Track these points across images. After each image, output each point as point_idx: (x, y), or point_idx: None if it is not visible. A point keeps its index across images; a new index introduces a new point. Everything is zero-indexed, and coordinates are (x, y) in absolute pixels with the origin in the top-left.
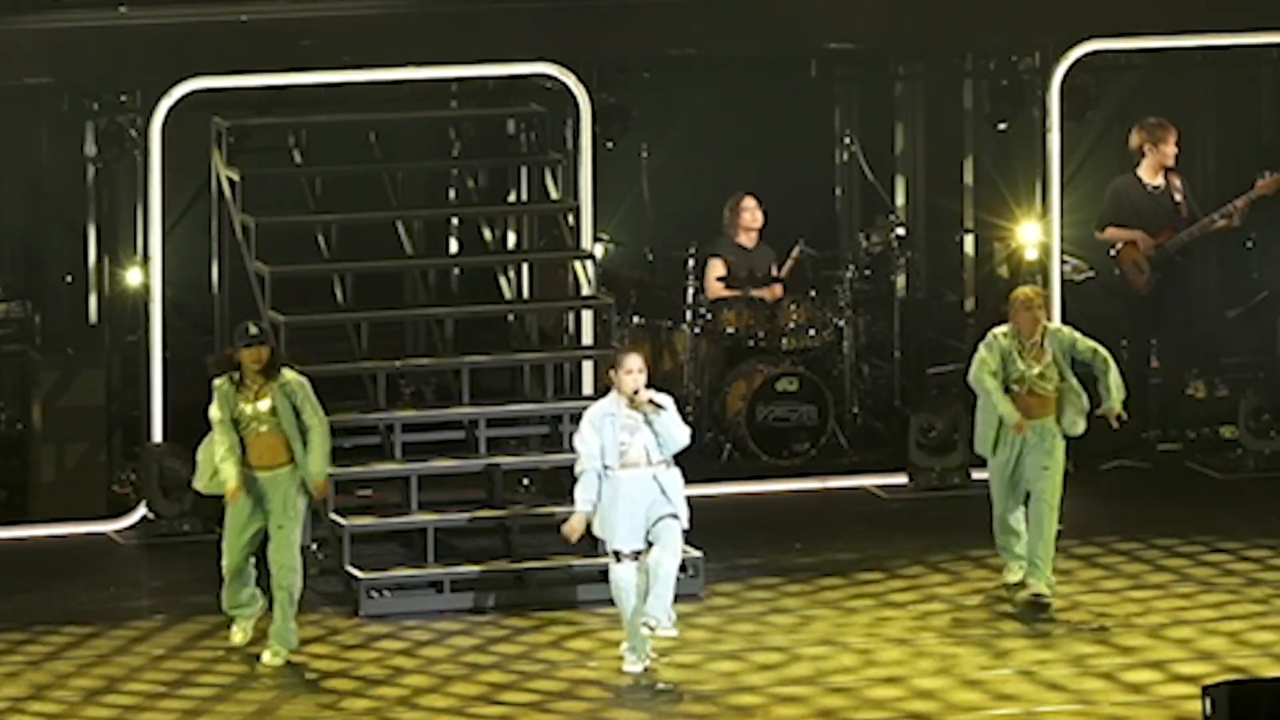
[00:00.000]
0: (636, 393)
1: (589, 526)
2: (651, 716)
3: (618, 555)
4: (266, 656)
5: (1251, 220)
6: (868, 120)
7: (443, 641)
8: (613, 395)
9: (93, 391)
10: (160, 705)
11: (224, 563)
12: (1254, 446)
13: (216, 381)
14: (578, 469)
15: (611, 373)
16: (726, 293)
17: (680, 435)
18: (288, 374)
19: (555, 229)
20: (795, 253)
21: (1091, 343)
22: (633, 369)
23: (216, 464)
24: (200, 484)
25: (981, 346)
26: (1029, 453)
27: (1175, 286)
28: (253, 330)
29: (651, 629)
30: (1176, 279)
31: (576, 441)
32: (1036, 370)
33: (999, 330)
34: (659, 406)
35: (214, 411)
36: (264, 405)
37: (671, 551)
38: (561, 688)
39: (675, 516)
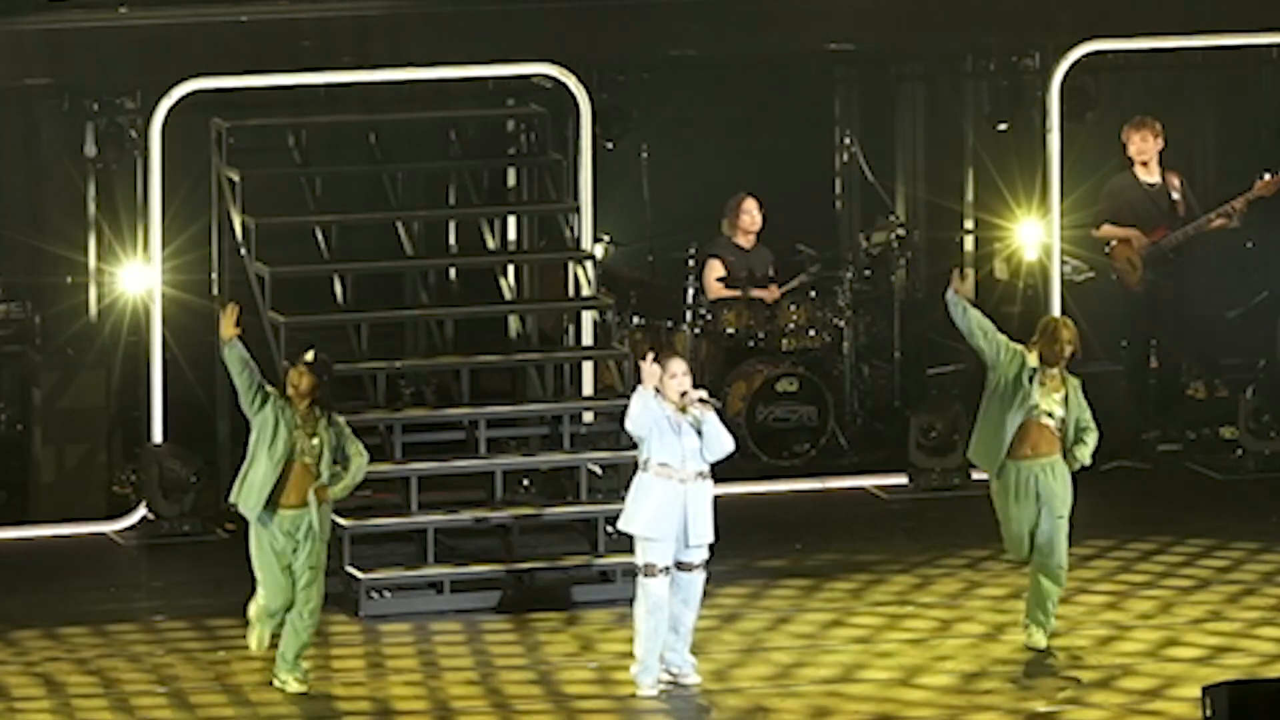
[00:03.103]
0: (684, 394)
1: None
2: (651, 716)
3: (649, 570)
4: (293, 685)
5: (1251, 221)
6: (868, 120)
7: (442, 642)
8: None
9: (93, 391)
10: (160, 706)
11: (266, 603)
12: (1254, 447)
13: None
14: (628, 422)
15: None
16: (726, 293)
17: (726, 439)
18: (340, 423)
19: (555, 229)
20: (801, 277)
21: (1089, 418)
22: (677, 373)
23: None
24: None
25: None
26: (1044, 502)
27: (1173, 286)
28: (309, 356)
29: (675, 676)
30: (1174, 278)
31: (630, 408)
32: (1048, 403)
33: (1030, 351)
34: (706, 402)
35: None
36: (315, 441)
37: (694, 608)
38: (561, 688)
39: (700, 567)
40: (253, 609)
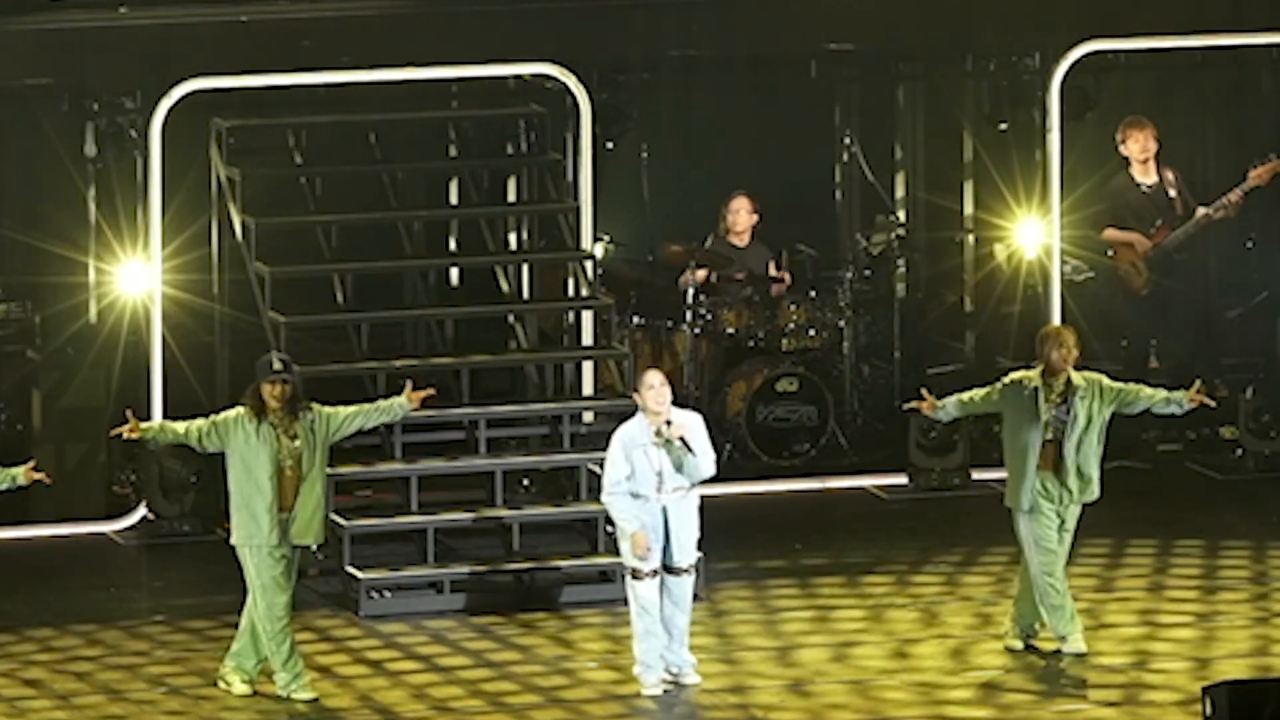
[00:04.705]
0: (669, 424)
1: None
2: (651, 716)
3: (636, 573)
4: (239, 686)
5: (1251, 220)
6: (868, 120)
7: (442, 642)
8: (639, 418)
9: (93, 391)
10: (160, 706)
11: (275, 627)
12: (1254, 446)
13: (240, 410)
14: (605, 497)
15: (635, 394)
16: (698, 275)
17: (705, 466)
18: (318, 409)
19: (555, 229)
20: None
21: (1119, 384)
22: (654, 384)
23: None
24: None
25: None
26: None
27: (1179, 287)
28: (276, 365)
29: (675, 675)
30: (1180, 278)
31: (607, 465)
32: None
33: (1026, 372)
34: (689, 449)
35: (217, 417)
36: (296, 443)
37: (685, 610)
38: (560, 688)
39: (689, 570)
40: (230, 661)
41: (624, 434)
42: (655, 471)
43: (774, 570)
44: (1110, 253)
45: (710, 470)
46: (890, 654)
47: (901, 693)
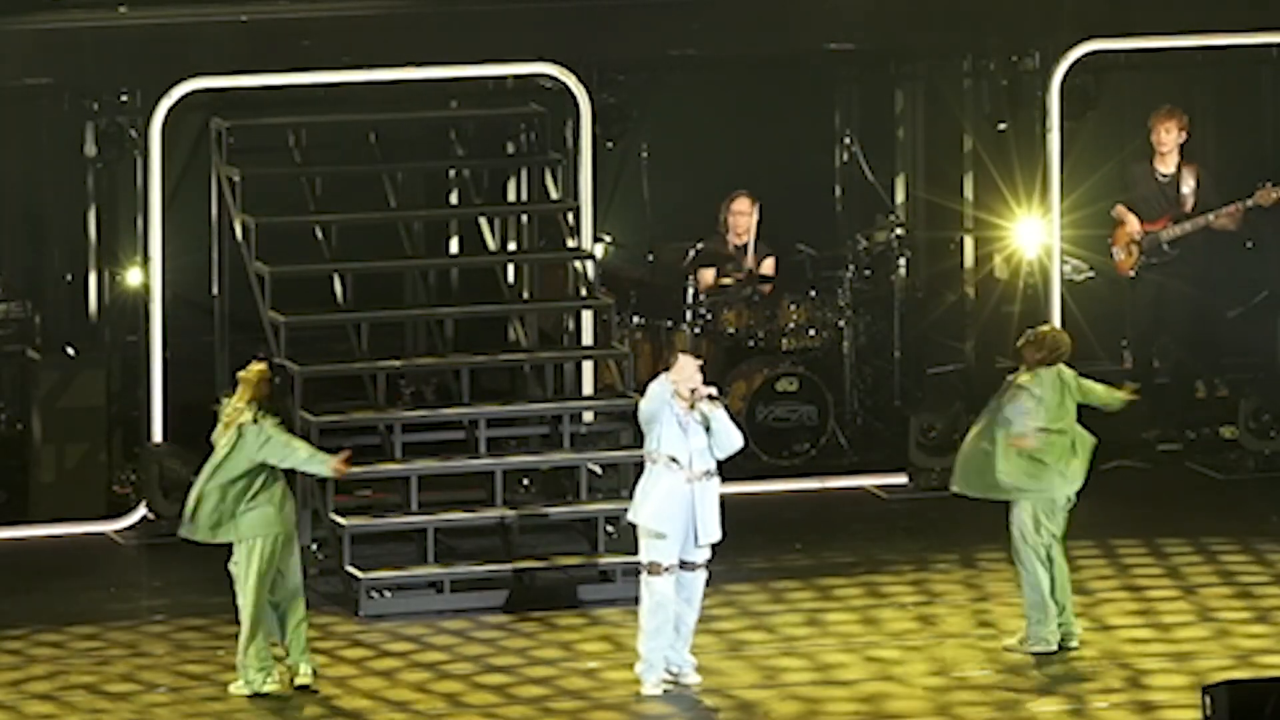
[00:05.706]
0: (693, 391)
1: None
2: (653, 716)
3: (653, 568)
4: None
5: (1251, 221)
6: (868, 120)
7: (442, 642)
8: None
9: (93, 391)
10: (160, 706)
11: (256, 619)
12: (1254, 446)
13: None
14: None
15: (672, 366)
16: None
17: (735, 436)
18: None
19: (555, 229)
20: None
21: (1089, 383)
22: (688, 370)
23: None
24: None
25: (1026, 399)
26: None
27: (1162, 281)
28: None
29: (675, 675)
30: (1166, 273)
31: (643, 401)
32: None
33: (1022, 378)
34: (715, 399)
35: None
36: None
37: (695, 607)
38: (560, 688)
39: (703, 566)
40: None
41: (658, 384)
42: (685, 447)
43: (774, 570)
44: (1114, 229)
45: (739, 439)
46: (888, 654)
47: (898, 694)
